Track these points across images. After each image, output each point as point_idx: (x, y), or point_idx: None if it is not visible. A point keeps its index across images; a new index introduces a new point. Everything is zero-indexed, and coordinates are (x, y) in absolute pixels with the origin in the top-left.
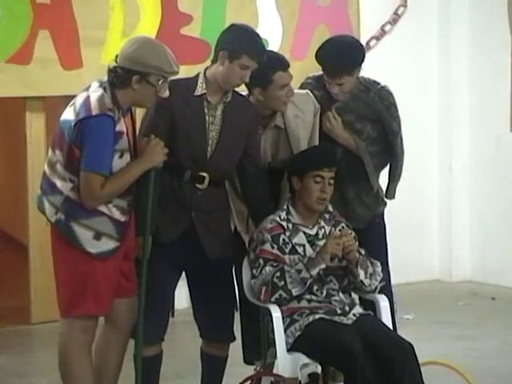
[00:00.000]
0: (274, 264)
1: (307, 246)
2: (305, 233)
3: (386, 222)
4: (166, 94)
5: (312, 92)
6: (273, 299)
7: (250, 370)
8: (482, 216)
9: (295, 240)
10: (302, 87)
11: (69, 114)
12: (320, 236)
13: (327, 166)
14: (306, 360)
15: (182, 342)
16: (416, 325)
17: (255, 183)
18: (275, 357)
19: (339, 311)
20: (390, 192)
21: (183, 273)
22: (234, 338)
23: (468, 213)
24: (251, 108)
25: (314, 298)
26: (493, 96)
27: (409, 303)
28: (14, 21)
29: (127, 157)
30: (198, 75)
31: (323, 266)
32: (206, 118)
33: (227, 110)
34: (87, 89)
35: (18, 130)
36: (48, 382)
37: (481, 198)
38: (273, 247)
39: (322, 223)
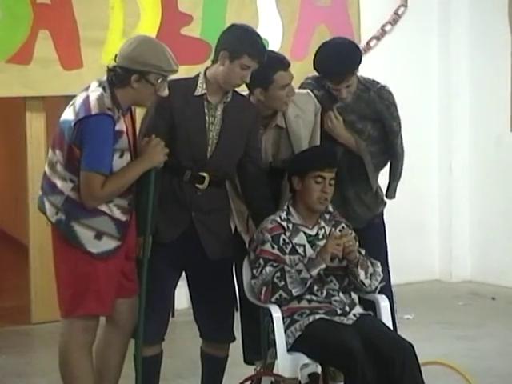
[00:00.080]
0: (275, 264)
1: (307, 247)
2: (305, 233)
3: (385, 222)
4: (166, 92)
5: (312, 92)
6: (273, 299)
7: (250, 370)
8: (482, 216)
9: (295, 240)
10: (301, 87)
11: (68, 114)
12: (320, 236)
13: (328, 166)
14: (306, 360)
15: (182, 342)
16: (416, 325)
17: (255, 183)
18: (275, 357)
19: (339, 311)
20: (391, 191)
21: (183, 273)
22: (234, 338)
23: (468, 213)
24: (251, 108)
25: (314, 298)
26: (493, 96)
27: (409, 303)
28: (14, 21)
29: (127, 156)
30: (198, 75)
31: (323, 266)
32: (206, 118)
33: (227, 110)
34: (86, 89)
35: (18, 130)
36: (48, 382)
37: (481, 198)
38: (273, 247)
39: (323, 223)
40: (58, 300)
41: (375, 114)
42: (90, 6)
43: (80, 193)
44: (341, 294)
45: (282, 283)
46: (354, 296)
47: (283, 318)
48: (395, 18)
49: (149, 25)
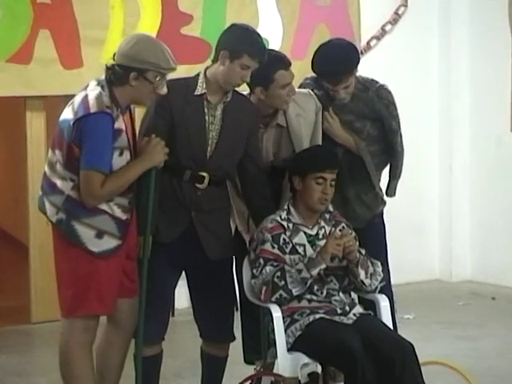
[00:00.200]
0: (275, 264)
1: (307, 246)
2: (305, 233)
3: (385, 222)
4: (164, 90)
5: (312, 91)
6: (273, 299)
7: (250, 370)
8: (483, 216)
9: (295, 240)
10: (300, 87)
11: (68, 114)
12: (320, 236)
13: (329, 167)
14: (306, 360)
15: (182, 341)
16: (416, 325)
17: (255, 183)
18: (275, 356)
19: (339, 311)
20: (391, 190)
21: (183, 272)
22: (233, 338)
23: (468, 213)
24: (251, 108)
25: (314, 297)
26: (493, 96)
27: (409, 303)
28: (14, 20)
29: (127, 155)
30: (198, 75)
31: (323, 266)
32: (206, 117)
33: (227, 110)
34: (85, 88)
35: (18, 130)
36: (48, 382)
37: (481, 198)
38: (273, 247)
39: (323, 223)
40: (59, 300)
41: (374, 113)
42: (90, 5)
43: (80, 192)
44: (341, 294)
45: (282, 283)
46: (354, 296)
47: (283, 318)
48: (395, 18)
49: (149, 24)
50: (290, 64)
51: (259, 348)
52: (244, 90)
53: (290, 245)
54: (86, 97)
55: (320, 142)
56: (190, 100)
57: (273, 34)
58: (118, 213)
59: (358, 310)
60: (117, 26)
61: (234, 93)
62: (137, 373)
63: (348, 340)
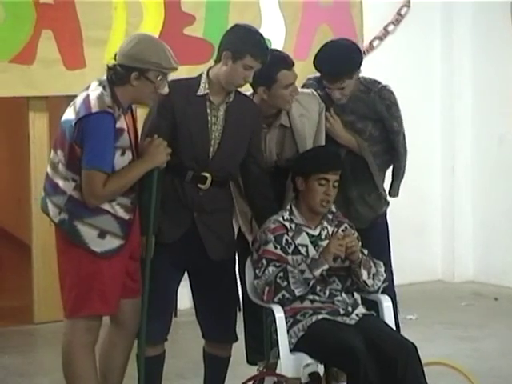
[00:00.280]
0: (277, 264)
1: (310, 247)
2: (308, 233)
3: (388, 222)
4: (166, 90)
5: (315, 91)
6: (276, 299)
7: (252, 370)
8: (485, 216)
9: (298, 240)
10: (303, 87)
11: (69, 114)
12: (323, 237)
13: (332, 169)
14: (308, 360)
15: (185, 342)
16: (419, 325)
17: (258, 183)
18: (278, 357)
19: (342, 311)
20: (394, 190)
21: (186, 273)
22: (236, 339)
23: (471, 213)
24: (254, 108)
25: (316, 298)
26: (495, 96)
27: (411, 303)
28: (17, 21)
29: (129, 154)
30: (200, 75)
31: (326, 266)
32: (209, 118)
33: (230, 111)
34: (87, 88)
35: (21, 130)
36: (51, 382)
37: (483, 198)
38: (276, 247)
39: (325, 224)
40: (62, 301)
41: (375, 114)
42: (92, 6)
43: (82, 192)
44: (343, 294)
45: (285, 283)
46: (357, 296)
47: (286, 318)
48: (398, 19)
49: (152, 25)
50: (293, 64)
51: (262, 349)
52: (247, 90)
53: (293, 245)
54: (87, 97)
55: (323, 142)
56: (192, 100)
57: (275, 34)
58: (121, 213)
59: (361, 310)
60: (119, 26)
61: (236, 93)
62: (139, 373)
63: (351, 340)
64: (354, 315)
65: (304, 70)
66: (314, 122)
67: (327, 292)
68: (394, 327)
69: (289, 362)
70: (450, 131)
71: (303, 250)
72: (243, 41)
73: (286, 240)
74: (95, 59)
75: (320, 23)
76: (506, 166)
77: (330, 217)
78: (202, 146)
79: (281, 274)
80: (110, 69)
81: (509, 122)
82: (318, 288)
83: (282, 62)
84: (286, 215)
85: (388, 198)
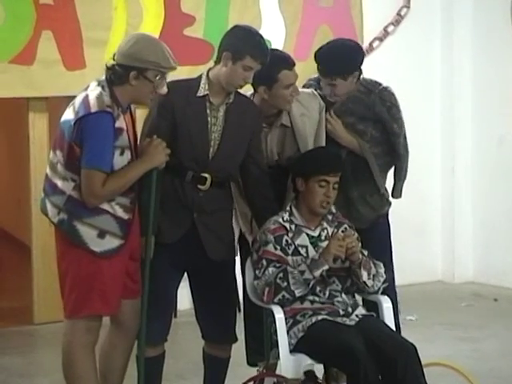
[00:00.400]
0: (277, 265)
1: (310, 248)
2: (307, 234)
3: (390, 222)
4: (164, 90)
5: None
6: (276, 300)
7: (252, 371)
8: (485, 217)
9: (298, 241)
10: (304, 88)
11: (68, 114)
12: (323, 237)
13: (333, 171)
14: (308, 361)
15: (185, 342)
16: (419, 326)
17: (258, 184)
18: (278, 358)
19: (342, 312)
20: (396, 191)
21: (186, 273)
22: (236, 339)
23: (471, 214)
24: (254, 109)
25: (316, 299)
26: (495, 97)
27: (411, 304)
28: (17, 21)
29: (128, 154)
30: (200, 76)
31: (326, 267)
32: (208, 118)
33: (229, 111)
34: (86, 89)
35: (20, 131)
36: (51, 383)
37: (483, 199)
38: (276, 248)
39: (325, 224)
40: (62, 301)
41: (375, 115)
42: (92, 6)
43: (81, 191)
44: (343, 295)
45: (285, 284)
46: (358, 297)
47: (286, 319)
48: (398, 19)
49: (151, 25)
50: (294, 64)
51: (262, 350)
52: (248, 90)
53: (293, 246)
54: (86, 97)
55: (324, 141)
56: (192, 101)
57: (275, 35)
58: (120, 212)
59: (361, 311)
60: (119, 27)
61: (236, 94)
62: (139, 374)
63: (350, 341)
64: (353, 316)
65: (304, 70)
66: (314, 121)
67: (327, 293)
68: (394, 328)
69: (288, 363)
70: (450, 132)
71: (303, 251)
72: (243, 42)
73: (286, 241)
74: (95, 60)
75: (320, 24)
76: (506, 167)
77: (330, 217)
78: (202, 147)
79: (281, 275)
80: (108, 69)
81: (509, 122)
82: (318, 289)
83: (284, 61)
84: (286, 216)
85: (390, 198)
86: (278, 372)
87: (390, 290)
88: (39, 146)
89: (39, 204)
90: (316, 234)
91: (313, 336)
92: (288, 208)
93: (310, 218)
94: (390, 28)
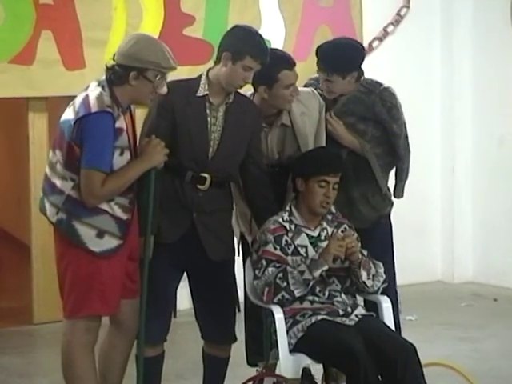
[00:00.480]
0: (277, 265)
1: (309, 248)
2: (307, 234)
3: (392, 222)
4: (164, 90)
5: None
6: (275, 300)
7: (252, 371)
8: (485, 217)
9: (298, 241)
10: (305, 87)
11: (68, 114)
12: (322, 237)
13: (333, 171)
14: (308, 361)
15: (184, 342)
16: (418, 326)
17: (258, 184)
18: (278, 357)
19: (341, 312)
20: (398, 191)
21: (185, 273)
22: (235, 339)
23: (470, 214)
24: (254, 109)
25: (316, 299)
26: (495, 97)
27: (411, 304)
28: (17, 21)
29: (127, 155)
30: (200, 76)
31: (326, 267)
32: (208, 118)
33: (229, 111)
34: (86, 89)
35: (20, 131)
36: (50, 382)
37: (483, 199)
38: (275, 248)
39: (325, 224)
40: (62, 301)
41: (374, 116)
42: (92, 6)
43: (80, 191)
44: (343, 295)
45: (285, 284)
46: (360, 298)
47: (285, 319)
48: (397, 19)
49: (151, 25)
50: (294, 64)
51: (262, 350)
52: (248, 89)
53: (292, 246)
54: (86, 97)
55: (324, 140)
56: (191, 101)
57: (275, 35)
58: (119, 212)
59: (360, 311)
60: (119, 27)
61: (236, 94)
62: (138, 373)
63: (350, 341)
64: (353, 316)
65: (304, 70)
66: (314, 120)
67: (327, 293)
68: (394, 328)
69: (288, 363)
70: (449, 132)
71: (303, 251)
72: (243, 42)
73: (286, 241)
74: (95, 60)
75: (320, 24)
76: (506, 167)
77: (330, 217)
78: (202, 147)
79: (280, 275)
80: (108, 69)
81: (508, 122)
82: (318, 289)
83: (284, 62)
84: (286, 216)
85: (392, 198)
86: (277, 372)
87: (390, 290)
88: (39, 145)
89: (38, 203)
90: (316, 234)
91: (312, 336)
92: (288, 208)
93: (309, 217)
94: (390, 28)
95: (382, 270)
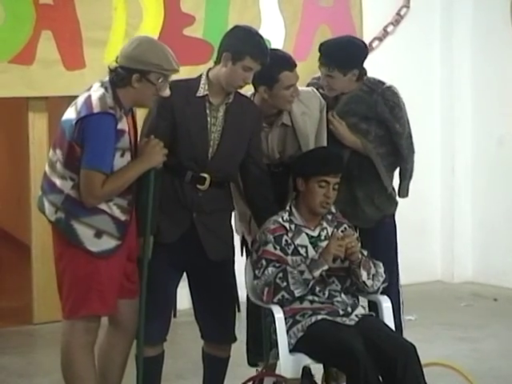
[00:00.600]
0: (277, 265)
1: (309, 248)
2: (307, 234)
3: (396, 222)
4: (167, 92)
5: (317, 90)
6: (275, 300)
7: (252, 371)
8: (485, 217)
9: (297, 241)
10: (307, 87)
11: (70, 114)
12: (322, 237)
13: (333, 172)
14: (308, 361)
15: (184, 342)
16: (418, 326)
17: (258, 184)
18: (277, 357)
19: (341, 312)
20: (403, 190)
21: (185, 273)
22: (235, 339)
23: (470, 214)
24: (254, 109)
25: (316, 298)
26: (495, 97)
27: (411, 304)
28: (17, 21)
29: (128, 156)
30: (200, 76)
31: (326, 267)
32: (208, 118)
33: (229, 112)
34: (89, 89)
35: (20, 131)
36: (50, 382)
37: (483, 199)
38: (275, 248)
39: (325, 224)
40: (61, 301)
41: (377, 115)
42: (92, 6)
43: (80, 191)
44: (343, 295)
45: (285, 284)
46: (363, 299)
47: (285, 319)
48: (397, 19)
49: (151, 25)
50: (295, 65)
51: (263, 350)
52: (248, 89)
53: (292, 246)
54: (89, 97)
55: (325, 140)
56: (191, 101)
57: (275, 35)
58: (117, 213)
59: (360, 311)
60: (119, 27)
61: (236, 94)
62: (138, 373)
63: (350, 341)
64: (353, 316)
65: (304, 70)
66: (315, 119)
67: (326, 293)
68: (395, 327)
69: (288, 363)
70: (449, 131)
71: (303, 251)
72: (243, 42)
73: (286, 241)
74: (95, 60)
75: (320, 24)
76: (506, 167)
77: (330, 217)
78: (201, 147)
79: (280, 275)
80: (111, 71)
81: (508, 122)
82: (318, 289)
83: (285, 62)
84: (286, 216)
85: (397, 198)
86: (277, 372)
87: (393, 290)
88: (39, 145)
89: (37, 202)
90: (316, 233)
91: (312, 336)
92: (288, 208)
93: (309, 217)
94: (390, 28)
95: (381, 270)
